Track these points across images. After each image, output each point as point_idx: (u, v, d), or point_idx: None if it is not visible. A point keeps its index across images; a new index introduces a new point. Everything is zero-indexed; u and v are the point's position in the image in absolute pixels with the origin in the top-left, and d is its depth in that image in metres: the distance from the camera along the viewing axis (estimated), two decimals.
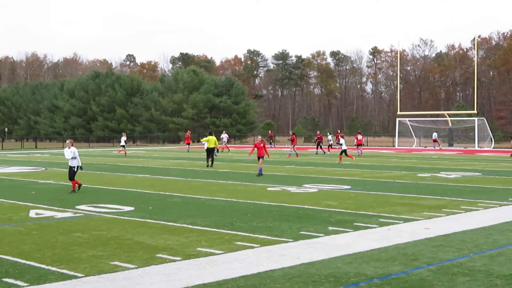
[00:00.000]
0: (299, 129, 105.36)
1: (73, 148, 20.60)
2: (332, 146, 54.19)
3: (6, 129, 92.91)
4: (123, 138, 50.94)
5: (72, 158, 20.48)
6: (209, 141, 34.13)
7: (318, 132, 55.33)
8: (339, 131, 67.30)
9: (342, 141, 40.25)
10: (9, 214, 15.36)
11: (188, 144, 58.23)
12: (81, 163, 20.93)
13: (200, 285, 8.41)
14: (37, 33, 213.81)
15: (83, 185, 21.09)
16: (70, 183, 20.64)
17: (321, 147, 50.69)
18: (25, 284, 8.48)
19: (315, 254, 10.41)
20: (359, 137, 47.56)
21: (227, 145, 57.89)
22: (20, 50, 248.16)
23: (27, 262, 9.84)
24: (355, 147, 47.86)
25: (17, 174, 29.30)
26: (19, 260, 10.03)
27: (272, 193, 20.09)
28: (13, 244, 11.35)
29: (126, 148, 50.52)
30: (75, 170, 20.50)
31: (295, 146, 47.04)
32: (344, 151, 39.09)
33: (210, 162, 33.52)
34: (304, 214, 15.12)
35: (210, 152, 33.80)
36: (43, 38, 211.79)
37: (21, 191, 20.99)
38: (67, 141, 21.21)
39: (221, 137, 58.83)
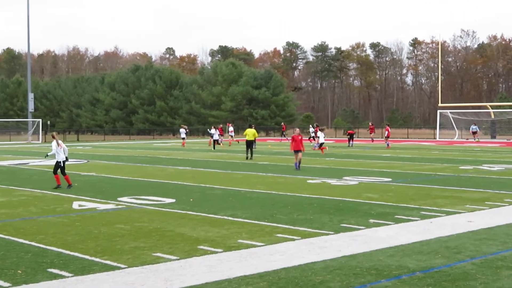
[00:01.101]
0: (339, 122, 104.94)
1: (53, 142, 20.00)
2: (313, 138, 53.72)
3: (48, 122, 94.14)
4: (183, 130, 51.34)
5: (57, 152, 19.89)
6: (247, 134, 34.32)
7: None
8: (371, 123, 66.90)
9: (319, 134, 41.56)
10: (53, 206, 15.60)
11: (221, 135, 58.36)
12: (67, 157, 20.15)
13: (242, 277, 8.44)
14: (78, 27, 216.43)
15: (124, 177, 21.16)
16: (112, 176, 20.88)
17: (352, 140, 50.98)
18: (70, 275, 8.60)
19: (356, 247, 10.37)
20: (389, 129, 48.53)
21: (235, 138, 57.21)
22: (62, 44, 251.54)
23: (71, 253, 9.98)
24: (384, 139, 48.46)
25: None
26: (63, 251, 10.18)
27: (312, 186, 20.06)
28: (57, 235, 11.53)
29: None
30: (61, 164, 19.87)
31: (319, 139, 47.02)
32: (321, 144, 40.03)
33: (249, 155, 33.64)
34: (344, 207, 15.07)
35: (249, 144, 33.99)
36: (84, 32, 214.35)
37: (64, 183, 21.26)
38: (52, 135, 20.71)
39: (229, 130, 57.68)
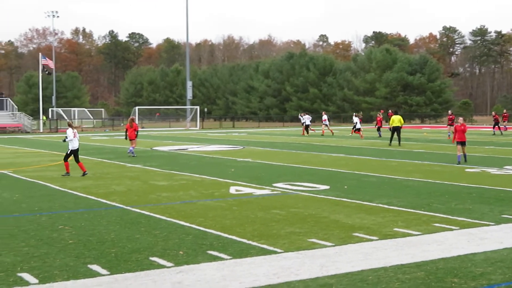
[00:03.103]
0: (499, 108, 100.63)
1: (69, 130, 20.24)
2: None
3: (205, 109, 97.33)
4: (307, 116, 50.87)
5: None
6: (393, 120, 34.35)
7: (493, 113, 52.93)
8: (505, 110, 63.11)
9: (356, 119, 44.83)
10: (211, 190, 16.10)
11: (379, 127, 48.35)
12: (77, 146, 20.33)
13: (398, 266, 8.32)
14: (233, 16, 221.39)
15: (279, 163, 21.28)
16: (267, 162, 21.10)
17: (499, 128, 48.78)
18: (228, 257, 8.85)
19: None
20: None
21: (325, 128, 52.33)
22: (218, 34, 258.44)
23: (229, 236, 10.27)
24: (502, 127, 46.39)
25: (216, 152, 30.59)
26: (222, 234, 10.49)
27: (471, 175, 19.39)
28: (216, 219, 11.90)
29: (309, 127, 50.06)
30: (68, 152, 20.20)
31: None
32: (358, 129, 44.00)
33: (396, 141, 34.08)
34: (506, 197, 14.44)
35: (395, 130, 34.07)
36: (239, 21, 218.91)
37: (221, 169, 21.88)
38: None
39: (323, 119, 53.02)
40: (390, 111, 63.97)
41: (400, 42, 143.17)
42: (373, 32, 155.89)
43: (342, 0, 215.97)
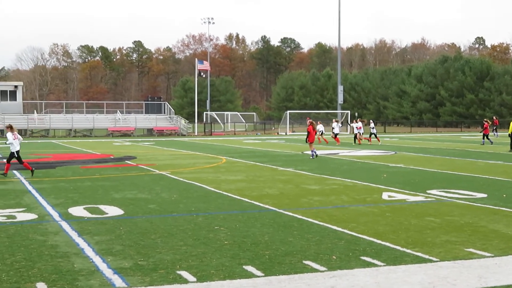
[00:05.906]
0: None
1: (8, 133, 20.73)
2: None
3: (356, 114, 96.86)
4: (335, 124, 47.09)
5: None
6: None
7: None
8: None
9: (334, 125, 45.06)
10: (363, 196, 15.96)
11: (486, 134, 42.85)
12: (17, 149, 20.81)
13: None
14: (386, 20, 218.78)
15: (432, 169, 20.78)
16: (420, 168, 20.65)
17: None
18: (382, 264, 8.73)
19: None
20: None
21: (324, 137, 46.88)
22: (370, 37, 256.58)
23: (382, 243, 10.12)
24: None
25: (367, 157, 30.31)
26: (375, 240, 10.36)
27: None
28: (369, 224, 11.77)
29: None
30: (15, 155, 20.68)
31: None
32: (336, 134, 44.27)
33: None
34: None
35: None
36: (392, 24, 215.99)
37: (373, 174, 21.64)
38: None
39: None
40: (494, 117, 60.85)
41: None
42: None
43: (500, 0, 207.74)
